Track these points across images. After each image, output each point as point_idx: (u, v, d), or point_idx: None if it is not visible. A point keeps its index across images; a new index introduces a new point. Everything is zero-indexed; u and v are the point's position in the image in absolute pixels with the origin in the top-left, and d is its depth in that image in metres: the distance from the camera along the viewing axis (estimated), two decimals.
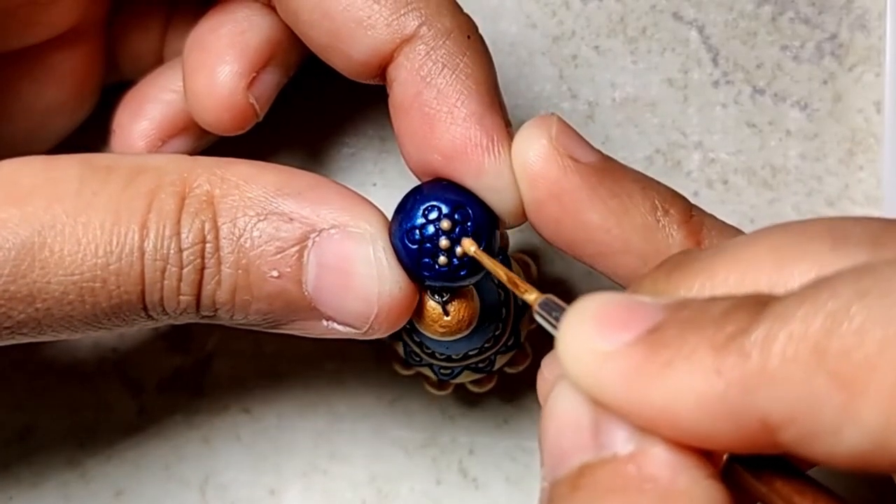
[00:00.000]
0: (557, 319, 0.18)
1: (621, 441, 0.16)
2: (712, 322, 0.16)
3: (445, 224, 0.22)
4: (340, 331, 0.22)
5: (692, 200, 0.27)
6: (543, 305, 0.19)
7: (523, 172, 0.22)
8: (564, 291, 0.30)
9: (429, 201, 0.22)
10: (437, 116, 0.22)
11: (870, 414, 0.14)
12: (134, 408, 0.30)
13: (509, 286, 0.21)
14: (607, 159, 0.22)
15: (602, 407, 0.16)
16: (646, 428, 0.16)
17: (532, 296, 0.20)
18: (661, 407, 0.15)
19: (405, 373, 0.28)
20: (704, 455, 0.16)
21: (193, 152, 0.28)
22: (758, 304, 0.15)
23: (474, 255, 0.22)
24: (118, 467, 0.30)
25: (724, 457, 0.17)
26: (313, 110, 0.30)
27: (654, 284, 0.19)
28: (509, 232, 0.27)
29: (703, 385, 0.15)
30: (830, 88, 0.30)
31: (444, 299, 0.23)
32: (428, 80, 0.22)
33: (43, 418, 0.30)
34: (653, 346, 0.16)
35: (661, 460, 0.16)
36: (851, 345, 0.14)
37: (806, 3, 0.30)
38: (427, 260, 0.22)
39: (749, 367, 0.15)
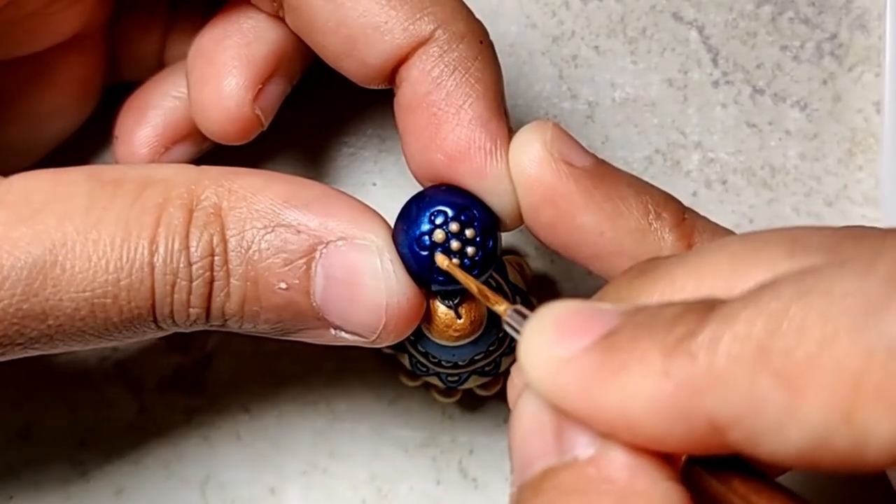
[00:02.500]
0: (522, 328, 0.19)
1: (582, 445, 0.16)
2: (663, 325, 0.16)
3: (454, 227, 0.22)
4: (348, 339, 0.23)
5: (691, 200, 0.27)
6: (512, 316, 0.19)
7: (519, 177, 0.22)
8: (564, 288, 0.30)
9: (434, 206, 0.22)
10: (443, 117, 0.22)
11: (811, 412, 0.14)
12: (134, 407, 0.30)
13: (480, 298, 0.21)
14: (602, 163, 0.22)
15: (562, 412, 0.16)
16: (603, 431, 0.16)
17: (501, 307, 0.20)
18: (615, 410, 0.16)
19: (412, 384, 0.28)
20: (664, 457, 0.16)
21: (196, 157, 0.28)
22: (706, 308, 0.16)
23: (447, 268, 0.22)
24: (118, 466, 0.30)
25: (684, 458, 0.17)
26: (313, 110, 0.30)
27: (616, 292, 0.19)
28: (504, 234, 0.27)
29: (653, 387, 0.15)
30: (830, 88, 0.30)
31: (455, 303, 0.23)
32: (439, 81, 0.22)
33: (43, 417, 0.30)
34: (607, 351, 0.16)
35: (619, 463, 0.16)
36: (792, 344, 0.14)
37: (806, 3, 0.30)
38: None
39: (696, 368, 0.15)
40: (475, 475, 0.30)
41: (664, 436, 0.16)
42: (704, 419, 0.15)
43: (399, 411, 0.30)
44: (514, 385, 0.21)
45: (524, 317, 0.19)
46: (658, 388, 0.15)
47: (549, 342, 0.16)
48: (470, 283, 0.22)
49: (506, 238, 0.29)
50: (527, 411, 0.17)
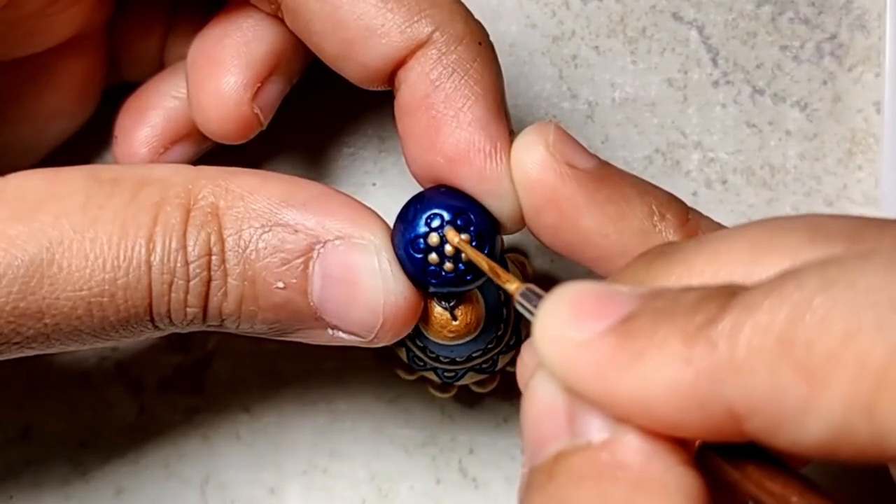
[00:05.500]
0: (537, 308, 0.19)
1: (596, 429, 0.16)
2: (683, 312, 0.16)
3: (449, 231, 0.22)
4: (345, 339, 0.23)
5: (691, 200, 0.27)
6: (524, 295, 0.19)
7: (521, 179, 0.22)
8: None
9: (430, 209, 0.22)
10: (442, 119, 0.22)
11: (831, 405, 0.14)
12: (134, 407, 0.30)
13: (491, 276, 0.21)
14: (605, 165, 0.22)
15: (576, 395, 0.16)
16: (618, 416, 0.16)
17: (513, 285, 0.20)
18: (632, 396, 0.16)
19: (408, 378, 0.28)
20: (679, 442, 0.16)
21: (195, 157, 0.28)
22: (727, 295, 0.16)
23: (458, 245, 0.22)
24: (118, 466, 0.30)
25: (697, 443, 0.17)
26: (313, 111, 0.30)
27: (633, 275, 0.19)
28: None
29: (673, 374, 0.15)
30: (830, 88, 0.30)
31: (451, 304, 0.23)
32: (437, 83, 0.22)
33: (43, 418, 0.30)
34: (625, 336, 0.16)
35: (633, 448, 0.16)
36: (814, 336, 0.14)
37: (806, 3, 0.30)
38: (433, 268, 0.22)
39: (716, 357, 0.15)
40: (475, 475, 0.30)
41: (682, 422, 0.16)
42: (723, 407, 0.15)
43: (399, 410, 0.30)
44: (524, 364, 0.21)
45: (538, 297, 0.19)
46: (678, 375, 0.15)
47: (565, 324, 0.16)
48: (481, 260, 0.22)
49: (508, 237, 0.29)
50: (539, 392, 0.17)
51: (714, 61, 0.30)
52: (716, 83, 0.30)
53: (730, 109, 0.30)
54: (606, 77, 0.30)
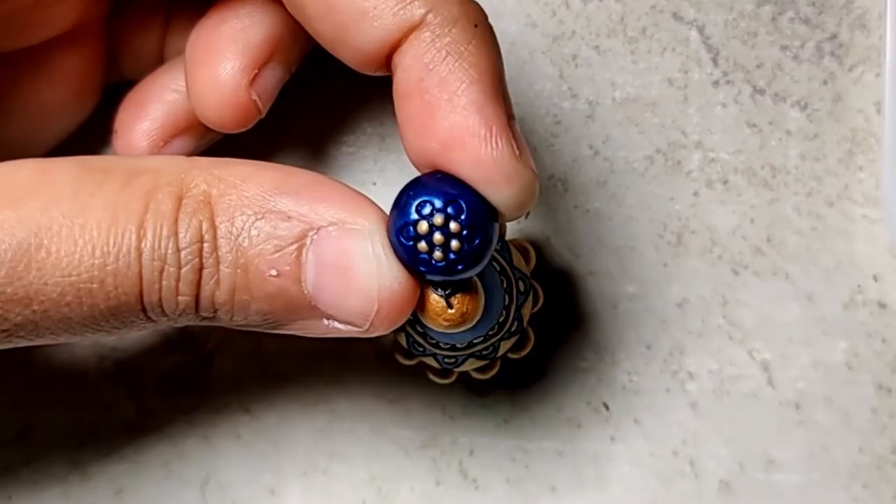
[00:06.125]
0: None
1: None
2: None
3: (439, 219, 0.21)
4: (342, 329, 0.22)
5: (692, 200, 0.27)
6: None
7: None
8: (565, 288, 0.30)
9: (421, 196, 0.22)
10: (436, 104, 0.22)
11: None
12: (133, 406, 0.30)
13: None
14: None
15: None
16: None
17: None
18: None
19: (407, 363, 0.27)
20: None
21: (195, 151, 0.28)
22: None
23: None
24: (118, 466, 0.30)
25: None
26: (312, 109, 0.30)
27: None
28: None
29: None
30: (830, 88, 0.30)
31: (447, 292, 0.23)
32: (431, 67, 0.22)
33: (42, 417, 0.30)
34: None
35: None
36: None
37: (806, 3, 0.30)
38: (423, 256, 0.22)
39: None
40: (475, 476, 0.30)
41: None
42: None
43: (399, 411, 0.30)
44: None
45: None
46: None
47: None
48: None
49: (515, 227, 0.29)
50: None
51: (714, 61, 0.30)
52: (716, 83, 0.30)
53: (730, 109, 0.30)
54: (607, 76, 0.30)
